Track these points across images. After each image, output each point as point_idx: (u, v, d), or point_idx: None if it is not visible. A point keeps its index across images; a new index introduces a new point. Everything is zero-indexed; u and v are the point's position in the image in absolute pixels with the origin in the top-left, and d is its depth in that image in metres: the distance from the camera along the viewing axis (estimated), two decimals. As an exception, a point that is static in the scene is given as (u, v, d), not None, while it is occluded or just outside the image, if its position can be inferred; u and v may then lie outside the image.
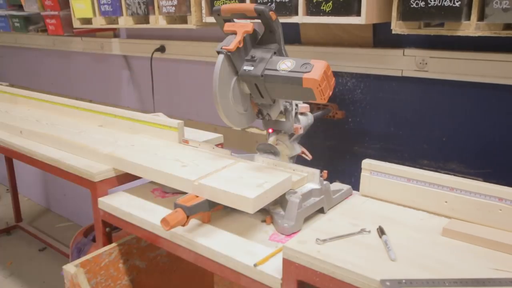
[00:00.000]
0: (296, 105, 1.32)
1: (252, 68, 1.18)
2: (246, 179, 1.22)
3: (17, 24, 2.60)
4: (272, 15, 1.14)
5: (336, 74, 1.57)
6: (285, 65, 1.14)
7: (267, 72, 1.16)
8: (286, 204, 1.20)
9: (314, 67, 1.10)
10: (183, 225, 1.19)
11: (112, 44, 2.41)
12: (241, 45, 1.16)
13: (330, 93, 1.13)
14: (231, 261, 1.10)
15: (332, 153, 1.65)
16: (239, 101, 1.24)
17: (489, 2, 1.04)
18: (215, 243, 1.15)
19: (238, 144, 1.98)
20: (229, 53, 1.17)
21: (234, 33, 1.17)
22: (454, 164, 1.37)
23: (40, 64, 3.22)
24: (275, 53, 1.19)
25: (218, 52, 1.18)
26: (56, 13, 2.27)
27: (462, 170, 1.35)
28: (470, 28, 1.09)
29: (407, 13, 1.16)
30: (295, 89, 1.13)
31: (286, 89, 1.16)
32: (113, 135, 1.68)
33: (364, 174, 1.30)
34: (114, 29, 2.38)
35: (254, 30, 1.20)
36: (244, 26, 1.16)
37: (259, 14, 1.13)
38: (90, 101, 2.61)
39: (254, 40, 1.23)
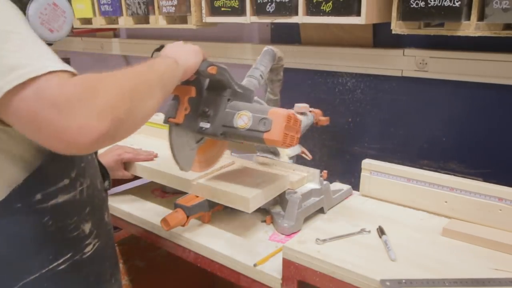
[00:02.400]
0: None
1: (208, 125, 1.06)
2: (245, 179, 1.22)
3: (17, 24, 2.59)
4: (212, 70, 1.01)
5: (336, 74, 1.57)
6: (242, 120, 1.03)
7: (224, 130, 1.05)
8: (286, 204, 1.20)
9: (273, 123, 1.00)
10: (183, 225, 1.19)
11: (112, 44, 2.40)
12: (187, 112, 1.04)
13: (298, 136, 1.07)
14: (231, 261, 1.10)
15: (332, 153, 1.65)
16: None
17: (489, 2, 1.04)
18: (215, 243, 1.16)
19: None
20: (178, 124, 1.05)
21: (177, 97, 1.04)
22: (454, 164, 1.37)
23: (40, 64, 3.21)
24: (229, 99, 1.07)
25: (165, 122, 1.06)
26: (56, 13, 2.26)
27: (462, 170, 1.35)
28: (470, 28, 1.09)
29: (407, 13, 1.16)
30: (258, 142, 1.05)
31: (248, 141, 1.08)
32: (113, 135, 1.68)
33: (364, 174, 1.30)
34: (114, 29, 2.38)
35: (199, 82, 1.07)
36: (186, 90, 1.03)
37: (199, 75, 1.01)
38: (90, 101, 2.60)
39: (202, 89, 1.08)
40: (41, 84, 0.62)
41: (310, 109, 1.43)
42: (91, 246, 0.92)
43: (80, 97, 0.63)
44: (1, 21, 0.67)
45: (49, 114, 0.61)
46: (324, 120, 1.45)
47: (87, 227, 0.91)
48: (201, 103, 1.07)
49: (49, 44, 0.88)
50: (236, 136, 1.06)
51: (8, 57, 0.63)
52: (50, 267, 0.85)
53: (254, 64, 1.26)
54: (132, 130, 0.74)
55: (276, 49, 1.31)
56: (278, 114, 1.01)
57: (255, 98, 1.16)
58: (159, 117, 1.72)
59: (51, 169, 0.82)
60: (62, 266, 0.87)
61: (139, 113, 0.73)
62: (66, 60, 1.04)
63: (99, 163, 1.05)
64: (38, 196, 0.81)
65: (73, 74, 0.67)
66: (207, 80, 1.07)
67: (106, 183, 1.07)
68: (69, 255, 0.88)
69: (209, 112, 1.07)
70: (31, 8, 0.81)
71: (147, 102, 0.75)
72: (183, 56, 0.94)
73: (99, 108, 0.64)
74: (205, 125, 1.07)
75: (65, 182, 0.85)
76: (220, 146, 1.22)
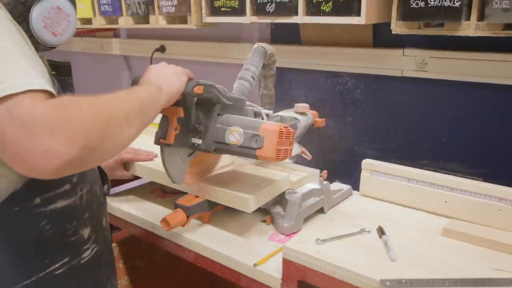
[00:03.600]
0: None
1: (200, 141, 1.06)
2: (245, 179, 1.22)
3: (17, 24, 2.59)
4: (198, 90, 0.99)
5: (336, 74, 1.57)
6: (233, 137, 1.02)
7: (217, 146, 1.05)
8: (286, 204, 1.20)
9: (265, 140, 0.98)
10: (183, 225, 1.19)
11: (112, 44, 2.40)
12: (177, 131, 1.03)
13: (292, 148, 1.07)
14: (231, 261, 1.10)
15: (332, 153, 1.65)
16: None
17: (489, 2, 1.04)
18: (215, 243, 1.16)
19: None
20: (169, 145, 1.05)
21: (166, 117, 1.03)
22: (454, 164, 1.37)
23: (40, 64, 3.21)
24: (219, 114, 1.06)
25: (156, 143, 1.06)
26: (56, 13, 2.26)
27: (462, 170, 1.35)
28: (470, 28, 1.09)
29: (407, 13, 1.16)
30: (252, 158, 1.06)
31: (242, 156, 1.09)
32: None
33: (364, 174, 1.30)
34: (114, 29, 2.38)
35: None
36: (174, 111, 1.02)
37: (185, 96, 1.00)
38: (90, 101, 2.60)
39: (190, 107, 1.06)
40: (15, 101, 0.60)
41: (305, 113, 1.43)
42: (89, 251, 0.92)
43: (51, 120, 0.61)
44: None
45: (14, 133, 0.59)
46: (320, 121, 1.45)
47: (86, 232, 0.91)
48: (191, 120, 1.06)
49: (53, 47, 0.88)
50: (230, 151, 1.06)
51: None
52: (47, 271, 0.85)
53: (245, 64, 1.25)
54: (104, 158, 0.71)
55: (267, 45, 1.30)
56: (269, 131, 0.99)
57: (248, 103, 1.15)
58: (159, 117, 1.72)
59: None
60: (59, 271, 0.87)
61: (113, 142, 0.70)
62: (67, 65, 1.03)
63: (98, 167, 1.04)
64: (37, 201, 0.81)
65: (51, 95, 0.65)
66: (194, 99, 1.06)
67: (105, 187, 1.07)
68: (66, 260, 0.87)
69: (200, 128, 1.06)
70: (35, 12, 0.81)
71: (123, 130, 0.71)
72: (167, 81, 0.91)
73: (69, 133, 0.61)
74: (197, 141, 1.07)
75: (66, 187, 0.85)
76: (213, 158, 1.23)
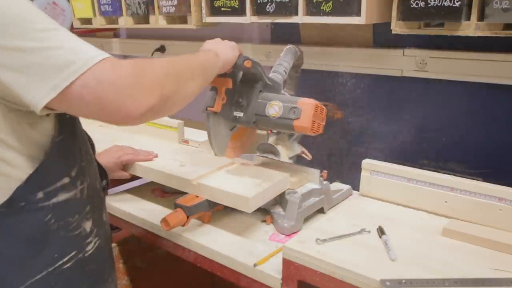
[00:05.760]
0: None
1: (242, 114, 1.17)
2: (245, 179, 1.22)
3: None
4: (247, 64, 1.10)
5: (336, 74, 1.57)
6: (273, 109, 1.13)
7: (257, 118, 1.15)
8: (286, 204, 1.20)
9: (302, 112, 1.09)
10: (183, 225, 1.19)
11: (112, 44, 2.40)
12: (224, 101, 1.14)
13: (323, 124, 1.14)
14: (231, 261, 1.10)
15: (332, 153, 1.65)
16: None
17: (489, 2, 1.04)
18: (215, 243, 1.15)
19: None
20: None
21: (215, 88, 1.14)
22: (454, 164, 1.37)
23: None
24: (260, 91, 1.17)
25: (204, 111, 1.15)
26: (56, 13, 2.26)
27: (462, 170, 1.35)
28: (470, 28, 1.09)
29: (407, 13, 1.16)
30: (288, 129, 1.14)
31: (279, 129, 1.19)
32: (112, 135, 1.68)
33: (364, 174, 1.30)
34: (114, 29, 2.38)
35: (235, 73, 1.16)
36: (224, 82, 1.13)
37: (236, 68, 1.10)
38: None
39: (236, 81, 1.17)
40: (99, 69, 0.70)
41: (327, 103, 1.45)
42: (92, 244, 0.93)
43: (133, 77, 0.72)
44: (37, 20, 0.71)
45: (109, 94, 0.70)
46: (339, 113, 1.47)
47: (88, 225, 0.92)
48: (235, 94, 1.17)
49: None
50: (268, 123, 1.16)
51: (59, 55, 0.69)
52: (56, 265, 0.86)
53: (278, 60, 1.30)
54: (176, 108, 0.83)
55: (297, 47, 1.32)
56: (307, 103, 1.10)
57: (282, 91, 1.22)
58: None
59: (52, 167, 0.83)
60: (68, 265, 0.88)
61: (183, 93, 0.83)
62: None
63: (97, 163, 1.05)
64: (40, 195, 0.82)
65: (115, 59, 0.74)
66: (241, 73, 1.16)
67: (104, 182, 1.07)
68: (73, 253, 0.88)
69: (243, 102, 1.17)
70: None
71: (189, 84, 0.85)
72: (223, 50, 1.05)
73: (149, 85, 0.74)
74: (239, 114, 1.17)
75: (65, 180, 0.86)
76: (250, 134, 1.31)
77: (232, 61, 1.07)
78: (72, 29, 2.25)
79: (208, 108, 1.14)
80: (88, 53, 0.71)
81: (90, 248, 0.92)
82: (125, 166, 1.40)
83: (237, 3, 1.46)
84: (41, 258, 0.84)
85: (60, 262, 0.86)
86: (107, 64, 0.71)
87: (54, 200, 0.84)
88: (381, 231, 1.06)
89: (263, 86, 1.17)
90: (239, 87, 1.17)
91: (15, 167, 0.79)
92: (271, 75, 1.26)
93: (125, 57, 2.43)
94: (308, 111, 1.09)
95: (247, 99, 1.17)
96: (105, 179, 1.10)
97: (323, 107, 1.13)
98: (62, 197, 0.85)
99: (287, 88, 1.44)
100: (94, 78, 0.70)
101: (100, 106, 0.72)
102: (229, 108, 1.17)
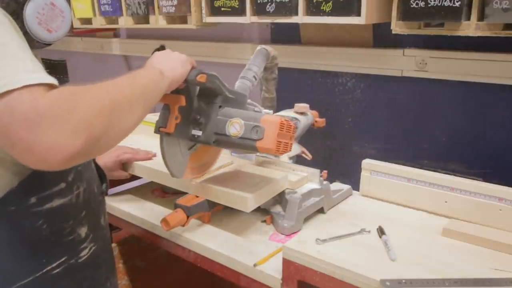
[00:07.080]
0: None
1: (200, 133, 1.05)
2: (244, 179, 1.22)
3: (17, 24, 2.59)
4: (201, 78, 0.98)
5: (336, 74, 1.57)
6: (234, 128, 1.01)
7: (217, 137, 1.04)
8: (286, 204, 1.20)
9: (266, 131, 0.98)
10: (183, 225, 1.19)
11: (112, 44, 2.40)
12: (178, 120, 1.02)
13: (292, 142, 1.06)
14: (231, 261, 1.10)
15: (332, 153, 1.65)
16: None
17: (489, 2, 1.04)
18: (215, 243, 1.15)
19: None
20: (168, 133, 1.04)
21: (167, 106, 1.02)
22: (454, 164, 1.37)
23: (40, 64, 3.21)
24: (220, 106, 1.05)
25: (156, 132, 1.05)
26: (56, 13, 2.26)
27: (462, 170, 1.35)
28: (470, 28, 1.09)
29: (407, 13, 1.16)
30: (252, 151, 1.05)
31: (242, 149, 1.08)
32: (113, 135, 1.68)
33: (364, 174, 1.30)
34: (114, 29, 2.38)
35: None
36: (176, 99, 1.01)
37: (188, 84, 0.99)
38: (90, 101, 2.60)
39: (192, 96, 1.06)
40: (13, 98, 0.60)
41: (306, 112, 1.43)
42: (87, 250, 0.92)
43: (54, 113, 0.60)
44: None
45: (20, 130, 0.60)
46: (320, 121, 1.45)
47: (83, 231, 0.90)
48: (192, 110, 1.05)
49: (48, 44, 0.88)
50: (229, 144, 1.05)
51: None
52: (44, 271, 0.84)
53: (247, 64, 1.25)
54: (109, 146, 0.71)
55: (270, 48, 1.30)
56: (270, 122, 0.99)
57: (248, 101, 1.15)
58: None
59: (48, 172, 0.80)
60: (57, 270, 0.86)
61: (117, 130, 0.70)
62: (62, 63, 1.03)
63: (97, 166, 1.04)
64: (33, 200, 0.81)
65: (51, 87, 0.64)
66: (197, 88, 1.05)
67: (104, 186, 1.06)
68: (63, 259, 0.87)
69: (201, 119, 1.05)
70: (28, 8, 0.80)
71: (126, 117, 0.72)
72: (169, 66, 0.91)
73: (74, 125, 0.61)
74: (197, 132, 1.06)
75: (62, 186, 0.85)
76: (213, 152, 1.22)
77: (182, 77, 0.94)
78: (72, 29, 2.25)
79: (160, 129, 1.03)
80: (17, 76, 0.61)
81: (84, 253, 0.91)
82: (124, 166, 1.39)
83: (237, 3, 1.46)
84: (28, 263, 0.83)
85: (48, 268, 0.85)
86: (26, 94, 0.60)
87: (48, 205, 0.82)
88: (381, 231, 1.06)
89: (223, 101, 1.05)
90: (196, 103, 1.05)
91: (9, 169, 0.78)
92: (237, 83, 1.19)
93: (125, 57, 2.43)
94: (272, 131, 0.98)
95: (205, 116, 1.05)
96: (104, 182, 1.08)
97: (290, 123, 1.03)
98: (56, 202, 0.84)
99: (264, 92, 1.43)
100: (6, 107, 0.60)
101: (9, 142, 0.61)
102: (186, 126, 1.05)
